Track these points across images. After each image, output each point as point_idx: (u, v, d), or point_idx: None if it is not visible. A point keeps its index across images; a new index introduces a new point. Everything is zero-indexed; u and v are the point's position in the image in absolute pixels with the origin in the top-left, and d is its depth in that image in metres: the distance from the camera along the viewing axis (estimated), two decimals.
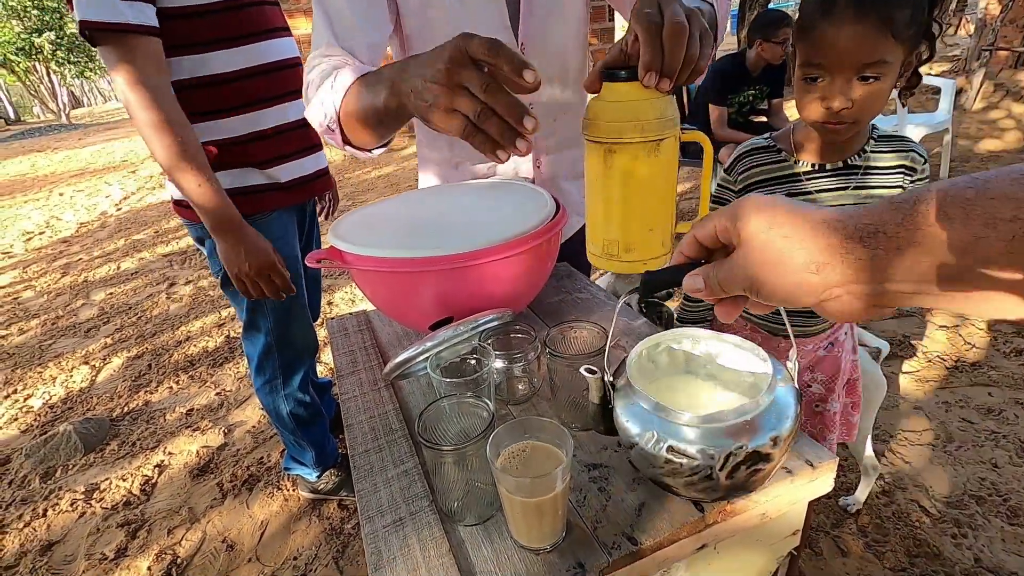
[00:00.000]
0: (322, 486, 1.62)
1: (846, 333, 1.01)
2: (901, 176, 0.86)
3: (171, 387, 2.32)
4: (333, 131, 0.72)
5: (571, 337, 0.64)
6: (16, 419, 2.26)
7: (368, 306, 2.72)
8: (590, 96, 0.59)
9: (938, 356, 1.92)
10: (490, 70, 0.49)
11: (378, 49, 0.83)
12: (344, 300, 2.89)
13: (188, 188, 1.03)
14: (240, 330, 2.55)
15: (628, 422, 0.48)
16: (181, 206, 1.21)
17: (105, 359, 2.62)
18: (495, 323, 0.63)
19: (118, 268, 3.80)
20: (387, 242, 0.71)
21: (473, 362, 0.62)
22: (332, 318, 0.90)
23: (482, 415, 0.52)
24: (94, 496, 1.77)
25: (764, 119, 3.09)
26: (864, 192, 0.86)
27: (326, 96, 0.70)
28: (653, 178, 0.57)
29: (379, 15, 0.82)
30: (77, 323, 3.05)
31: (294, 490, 1.70)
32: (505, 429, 0.47)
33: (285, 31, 1.24)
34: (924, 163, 0.86)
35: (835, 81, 0.77)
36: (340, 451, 1.68)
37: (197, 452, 1.91)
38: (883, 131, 0.88)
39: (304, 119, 1.28)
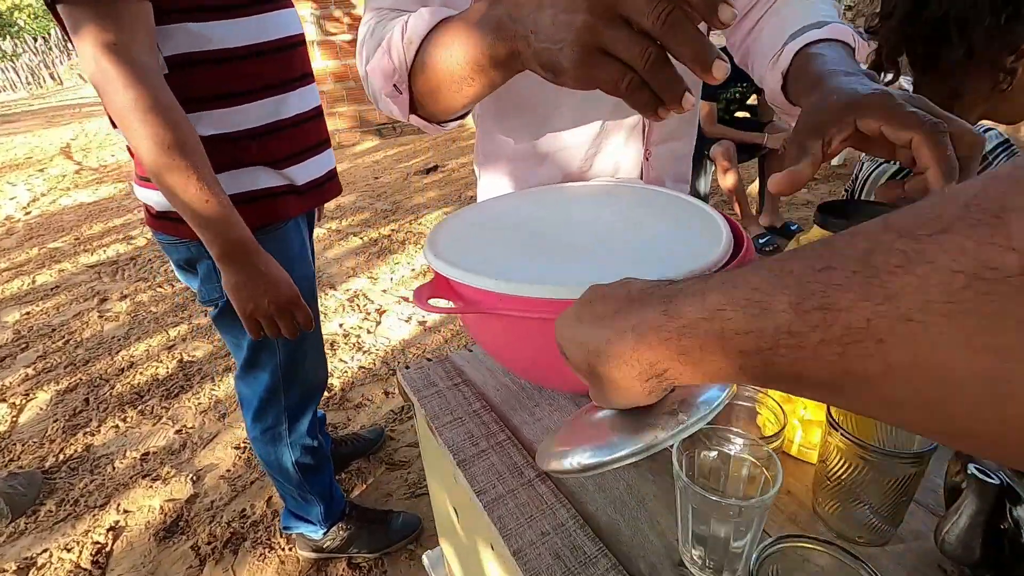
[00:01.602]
0: (328, 543, 1.37)
1: None
2: None
3: (116, 426, 1.96)
4: (400, 93, 0.54)
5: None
6: None
7: (400, 325, 2.43)
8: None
9: None
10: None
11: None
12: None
13: (185, 196, 0.77)
14: (195, 350, 2.21)
15: None
16: (162, 219, 0.93)
17: (28, 395, 2.20)
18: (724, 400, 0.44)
19: (33, 283, 3.28)
20: (527, 270, 0.50)
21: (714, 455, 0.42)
22: (407, 367, 0.68)
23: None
24: (30, 575, 1.43)
25: (747, 115, 3.05)
26: None
27: (395, 45, 0.52)
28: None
29: None
30: None
31: (291, 549, 1.43)
32: None
33: (289, 2, 0.99)
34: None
35: None
36: (346, 499, 1.43)
37: (161, 508, 1.59)
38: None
39: (319, 108, 1.04)
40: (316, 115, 1.04)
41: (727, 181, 2.78)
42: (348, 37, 5.58)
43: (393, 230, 3.57)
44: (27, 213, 4.74)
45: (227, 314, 1.01)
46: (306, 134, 1.02)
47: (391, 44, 0.53)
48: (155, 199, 0.92)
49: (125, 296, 2.97)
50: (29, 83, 19.75)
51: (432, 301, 0.50)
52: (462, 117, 0.59)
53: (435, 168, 4.89)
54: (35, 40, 20.61)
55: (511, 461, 0.52)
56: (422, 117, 0.57)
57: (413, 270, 3.01)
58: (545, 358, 0.55)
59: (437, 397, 0.62)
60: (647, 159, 0.81)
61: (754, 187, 3.36)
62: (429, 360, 0.69)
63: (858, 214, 0.45)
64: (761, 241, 2.78)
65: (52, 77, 19.75)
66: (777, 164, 2.88)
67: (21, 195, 5.31)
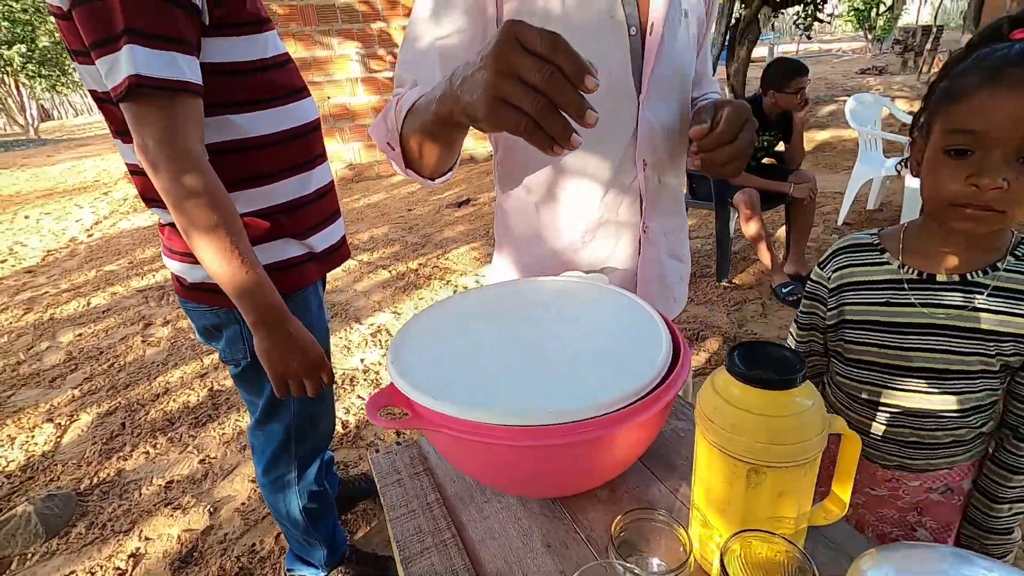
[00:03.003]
0: None
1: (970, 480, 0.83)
2: None
3: (147, 452, 2.09)
4: (393, 149, 0.70)
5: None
6: None
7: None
8: (711, 391, 0.49)
9: None
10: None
11: None
12: (339, 348, 2.69)
13: (228, 269, 0.85)
14: (226, 379, 2.33)
15: None
16: (194, 290, 1.02)
17: (72, 416, 2.36)
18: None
19: (88, 304, 3.53)
20: (473, 390, 0.54)
21: None
22: (377, 451, 0.73)
23: None
24: None
25: (773, 160, 3.03)
26: (991, 317, 0.70)
27: (391, 111, 0.70)
28: (801, 491, 0.48)
29: None
30: (41, 370, 2.78)
31: None
32: None
33: (307, 90, 1.09)
34: None
35: (989, 156, 0.62)
36: (348, 541, 1.48)
37: (178, 537, 1.69)
38: None
39: (332, 182, 1.14)
40: (331, 189, 1.13)
41: (750, 229, 2.76)
42: (389, 74, 5.84)
43: (421, 264, 3.68)
44: (90, 235, 5.11)
45: (248, 373, 1.09)
46: (325, 206, 1.11)
47: (388, 110, 0.71)
48: (187, 271, 1.01)
49: (167, 322, 3.16)
50: (93, 109, 21.15)
51: (383, 412, 0.55)
52: (446, 173, 0.74)
53: (467, 201, 5.01)
54: None
55: (450, 564, 0.56)
56: (414, 171, 0.72)
57: None
58: (489, 469, 0.59)
59: (398, 486, 0.67)
60: (645, 232, 0.88)
61: (781, 232, 3.31)
62: (399, 444, 0.74)
63: (765, 355, 0.48)
64: (784, 290, 2.74)
65: None
66: (802, 215, 2.85)
67: (86, 217, 5.73)
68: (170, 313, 3.28)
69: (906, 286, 0.74)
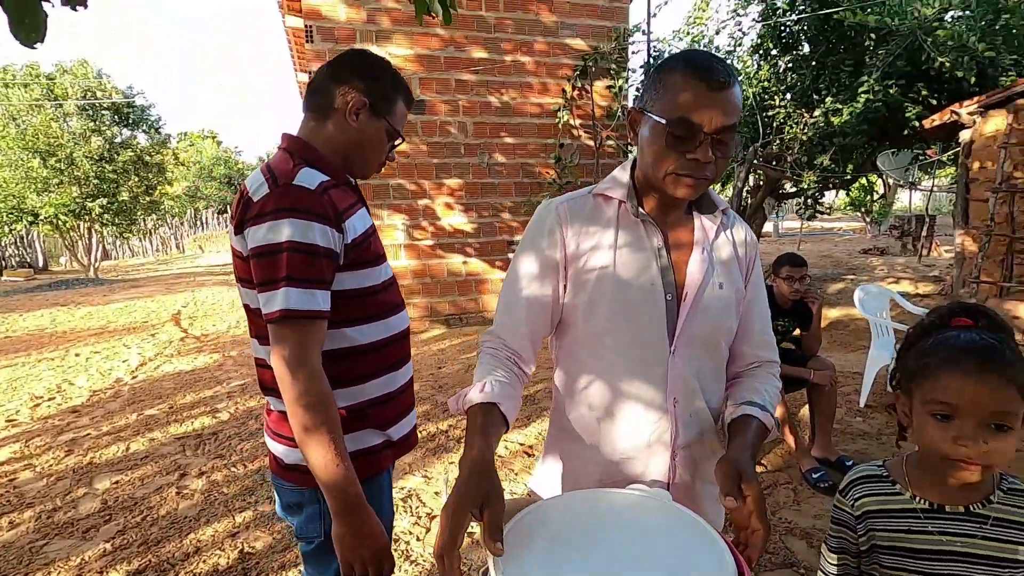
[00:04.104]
0: None
1: None
2: None
3: None
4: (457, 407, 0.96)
5: None
6: None
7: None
8: None
9: None
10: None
11: (535, 345, 1.05)
12: None
13: (324, 460, 1.02)
14: (256, 541, 2.31)
15: None
16: (290, 470, 1.18)
17: (102, 573, 2.36)
18: None
19: (127, 450, 3.64)
20: None
21: None
22: None
23: None
24: None
25: (791, 346, 3.23)
26: (1000, 546, 0.83)
27: (463, 396, 0.95)
28: None
29: (543, 319, 1.04)
30: (76, 519, 2.81)
31: None
32: None
33: (403, 304, 1.35)
34: None
35: (966, 424, 0.79)
36: None
37: None
38: (1015, 483, 0.88)
39: (412, 379, 1.35)
40: (411, 384, 1.34)
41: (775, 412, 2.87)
42: (430, 242, 6.47)
43: (451, 425, 3.78)
44: (134, 377, 5.36)
45: (319, 550, 1.20)
46: (406, 400, 1.30)
47: (464, 392, 0.94)
48: (286, 454, 1.18)
49: (203, 473, 3.23)
50: (158, 250, 23.02)
51: None
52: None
53: None
54: (173, 217, 24.70)
55: None
56: None
57: None
58: None
59: None
60: (673, 459, 1.02)
61: (803, 412, 3.40)
62: None
63: None
64: (815, 476, 2.77)
65: (177, 247, 23.01)
66: (824, 400, 2.97)
67: (132, 359, 6.04)
68: (205, 464, 3.36)
69: (921, 516, 0.88)
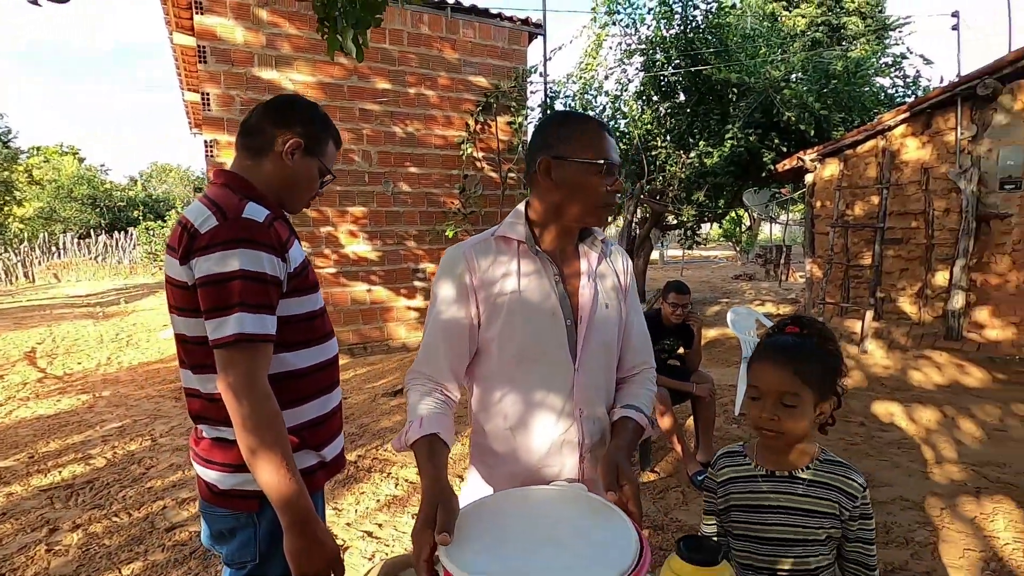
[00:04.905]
0: None
1: None
2: (838, 495, 1.07)
3: None
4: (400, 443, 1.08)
5: None
6: None
7: None
8: (668, 570, 0.79)
9: None
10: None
11: (457, 374, 1.17)
12: None
13: (275, 480, 1.06)
14: None
15: None
16: (223, 496, 1.19)
17: None
18: None
19: None
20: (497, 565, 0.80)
21: None
22: None
23: None
24: None
25: (677, 363, 3.61)
26: (812, 500, 1.08)
27: (404, 434, 1.06)
28: None
29: (462, 348, 1.16)
30: None
31: None
32: None
33: (333, 332, 1.42)
34: (863, 491, 1.08)
35: (766, 401, 1.07)
36: None
37: None
38: (829, 456, 1.14)
39: (341, 402, 1.42)
40: (340, 407, 1.40)
41: (664, 423, 3.19)
42: (333, 270, 6.33)
43: (360, 456, 3.73)
44: None
45: (252, 575, 1.21)
46: (337, 422, 1.36)
47: (403, 432, 1.05)
48: (220, 479, 1.18)
49: (78, 526, 2.91)
50: (1, 279, 19.95)
51: None
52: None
53: (402, 391, 5.20)
54: (21, 243, 21.65)
55: None
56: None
57: (378, 501, 3.12)
58: None
59: None
60: (582, 461, 1.19)
61: (689, 423, 3.79)
62: None
63: (699, 544, 0.78)
64: (699, 478, 3.09)
65: (26, 275, 20.15)
66: (706, 410, 3.35)
67: None
68: (80, 516, 3.02)
69: (759, 480, 1.13)
